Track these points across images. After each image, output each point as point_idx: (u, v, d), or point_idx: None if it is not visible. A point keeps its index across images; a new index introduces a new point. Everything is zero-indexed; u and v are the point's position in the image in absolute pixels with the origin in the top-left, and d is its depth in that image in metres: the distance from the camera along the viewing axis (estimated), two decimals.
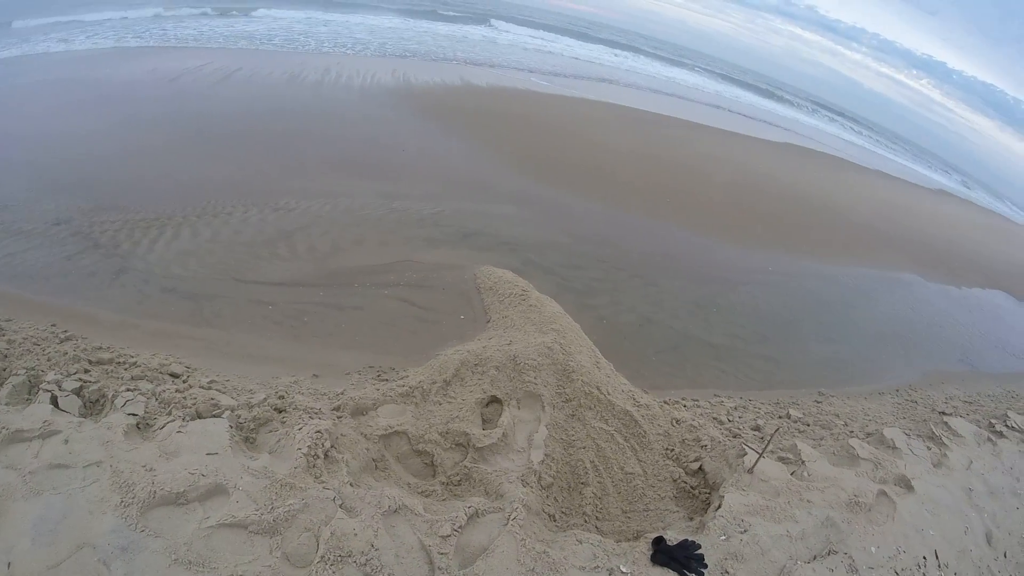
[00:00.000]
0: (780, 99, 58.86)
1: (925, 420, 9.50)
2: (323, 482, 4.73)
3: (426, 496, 5.39)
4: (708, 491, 6.25)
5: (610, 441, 6.38)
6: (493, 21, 41.30)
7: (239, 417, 5.26)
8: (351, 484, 4.86)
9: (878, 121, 72.98)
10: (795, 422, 8.33)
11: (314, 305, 8.05)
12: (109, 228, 8.57)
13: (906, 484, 7.10)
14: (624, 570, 4.75)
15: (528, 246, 10.97)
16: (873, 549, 5.92)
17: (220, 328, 7.31)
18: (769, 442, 6.35)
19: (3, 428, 4.40)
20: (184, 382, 5.90)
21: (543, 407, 6.40)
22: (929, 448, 8.37)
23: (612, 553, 4.92)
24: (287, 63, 19.36)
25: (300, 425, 5.25)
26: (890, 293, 16.20)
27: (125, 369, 5.89)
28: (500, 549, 4.56)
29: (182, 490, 4.23)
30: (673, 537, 5.15)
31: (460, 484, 5.58)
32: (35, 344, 5.99)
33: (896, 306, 15.45)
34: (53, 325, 6.51)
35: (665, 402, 7.66)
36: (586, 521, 5.77)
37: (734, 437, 7.17)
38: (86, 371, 5.62)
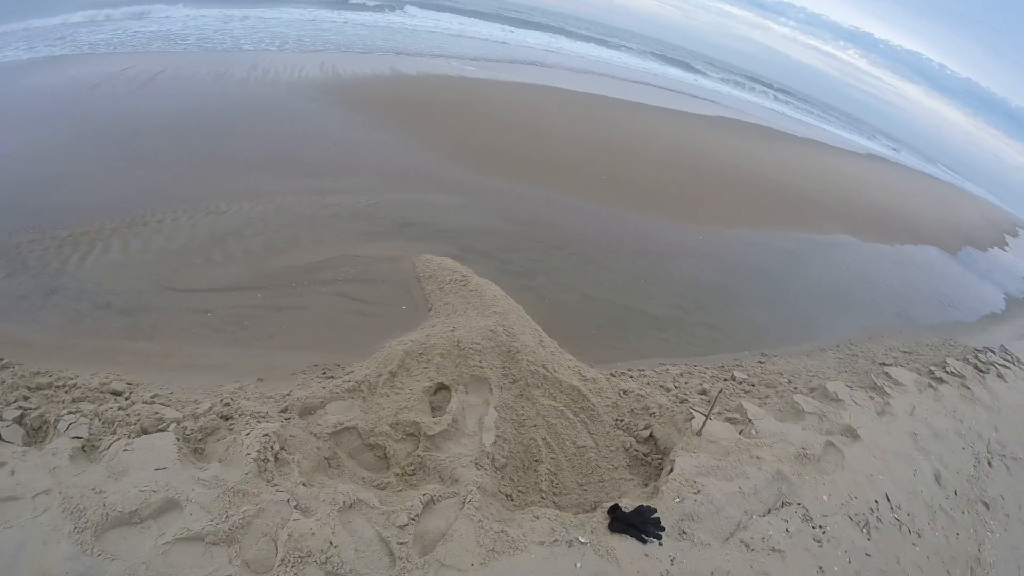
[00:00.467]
0: (710, 75, 59.61)
1: (866, 372, 9.83)
2: (276, 485, 4.68)
3: (381, 489, 5.37)
4: (660, 457, 6.38)
5: (560, 417, 6.45)
6: (408, 8, 40.71)
7: (185, 429, 5.15)
8: (304, 484, 4.82)
9: (808, 92, 74.61)
10: (740, 383, 8.52)
11: (253, 308, 7.87)
12: (36, 247, 8.23)
13: (852, 434, 7.36)
14: (583, 540, 4.82)
15: (465, 232, 10.92)
16: (825, 498, 6.13)
17: (159, 340, 7.11)
18: (714, 404, 6.51)
19: None
20: (127, 399, 5.73)
21: (491, 389, 6.41)
22: (872, 398, 8.68)
23: (570, 525, 4.99)
24: (212, 62, 18.80)
25: (248, 431, 5.17)
26: (825, 255, 16.69)
27: (65, 392, 5.70)
28: (459, 533, 4.59)
29: (134, 509, 4.14)
30: (629, 504, 5.25)
31: (415, 474, 5.57)
32: None
33: (832, 267, 15.92)
34: None
35: (612, 374, 7.77)
36: (543, 497, 5.82)
37: (681, 403, 7.30)
38: (25, 398, 5.42)
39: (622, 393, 7.13)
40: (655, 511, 5.18)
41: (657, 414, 6.73)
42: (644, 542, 4.93)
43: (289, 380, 6.67)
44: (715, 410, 7.03)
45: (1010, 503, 7.78)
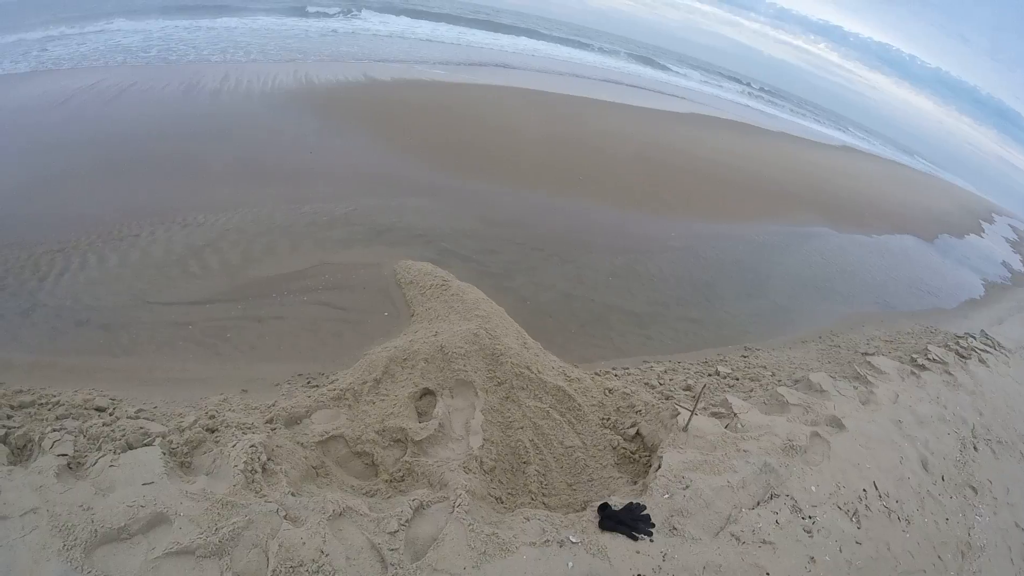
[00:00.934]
0: (681, 73, 59.89)
1: (849, 362, 9.92)
2: (264, 496, 4.65)
3: (370, 496, 5.36)
4: (648, 454, 6.39)
5: (546, 418, 6.46)
6: (365, 12, 40.49)
7: (171, 443, 5.09)
8: (293, 494, 4.79)
9: (780, 87, 75.15)
10: (724, 378, 8.59)
11: (233, 320, 7.84)
12: (13, 265, 8.13)
13: (837, 424, 7.41)
14: (574, 540, 4.83)
15: (443, 236, 10.94)
16: (813, 488, 6.16)
17: (140, 355, 7.06)
18: (699, 399, 6.53)
19: None
20: (111, 415, 5.68)
21: (476, 393, 6.43)
22: (855, 387, 8.73)
23: (560, 526, 5.00)
24: (183, 74, 18.60)
25: (234, 442, 5.13)
26: (803, 247, 16.87)
27: (48, 409, 5.64)
28: (449, 537, 4.58)
29: (123, 524, 4.09)
30: (618, 502, 5.26)
31: (403, 480, 5.56)
32: None
33: (810, 258, 16.10)
34: None
35: (596, 373, 7.82)
36: (533, 499, 5.83)
37: (667, 399, 7.35)
38: (8, 417, 5.36)
39: (607, 392, 7.16)
40: (645, 508, 5.20)
41: (643, 411, 6.76)
42: (635, 539, 4.94)
43: (273, 391, 6.65)
44: (700, 405, 7.07)
45: (997, 486, 7.87)
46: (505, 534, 4.73)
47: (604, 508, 5.14)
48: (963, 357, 11.57)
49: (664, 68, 58.38)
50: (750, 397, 7.94)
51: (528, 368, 6.80)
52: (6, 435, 4.96)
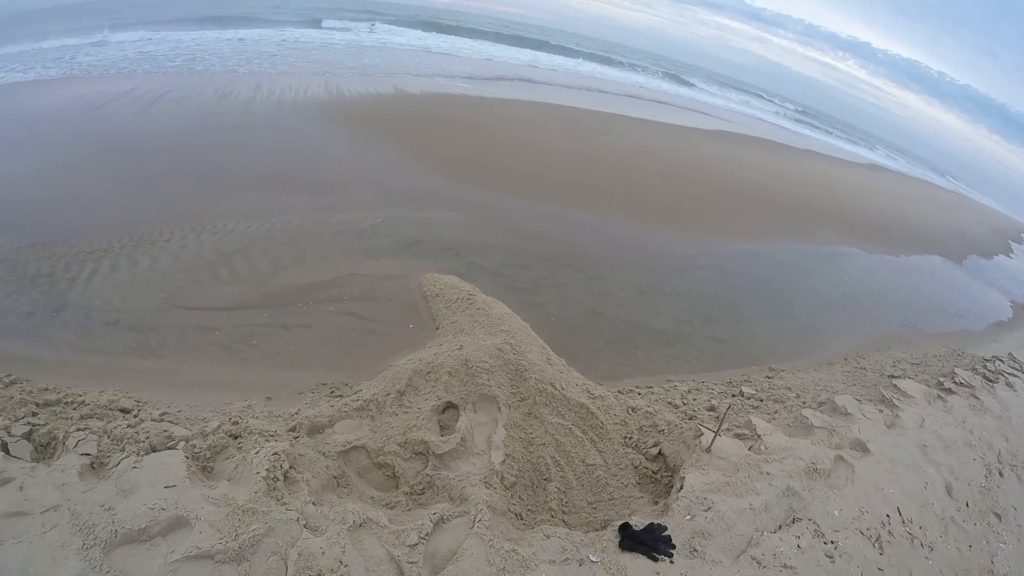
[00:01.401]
0: (708, 90, 59.80)
1: (875, 384, 9.78)
2: (285, 504, 4.67)
3: (390, 508, 5.37)
4: (670, 474, 6.35)
5: (569, 435, 6.44)
6: (387, 26, 40.85)
7: (194, 447, 5.14)
8: (313, 503, 4.81)
9: (808, 103, 74.78)
10: (748, 399, 8.51)
11: (260, 327, 7.92)
12: (45, 265, 8.29)
13: (862, 447, 7.30)
14: (593, 559, 4.80)
15: (471, 249, 10.97)
16: (836, 512, 6.07)
17: (167, 358, 7.15)
18: (723, 420, 6.48)
19: None
20: (135, 416, 5.75)
21: (499, 408, 6.42)
22: (881, 411, 8.61)
23: (580, 544, 4.97)
24: (215, 82, 18.90)
25: (257, 449, 5.16)
26: (830, 266, 16.69)
27: (74, 409, 5.72)
28: (469, 552, 4.57)
29: (144, 526, 4.13)
30: (639, 522, 5.22)
31: (424, 493, 5.56)
32: None
33: (837, 278, 15.92)
34: None
35: (619, 391, 7.78)
36: (553, 516, 5.81)
37: (690, 419, 7.28)
38: (34, 414, 5.43)
39: (630, 410, 7.13)
40: (666, 529, 5.16)
41: (666, 431, 6.72)
42: (655, 560, 4.89)
43: (297, 399, 6.69)
44: (724, 426, 7.01)
45: (1022, 513, 7.72)
46: (525, 551, 4.71)
47: (625, 528, 5.10)
48: (990, 381, 11.38)
49: (691, 85, 58.40)
50: (774, 419, 7.86)
51: (552, 384, 6.78)
52: (31, 432, 5.02)
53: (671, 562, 4.91)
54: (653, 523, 5.20)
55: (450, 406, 6.46)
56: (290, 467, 5.09)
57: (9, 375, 6.20)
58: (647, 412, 7.06)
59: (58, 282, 8.06)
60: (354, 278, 9.33)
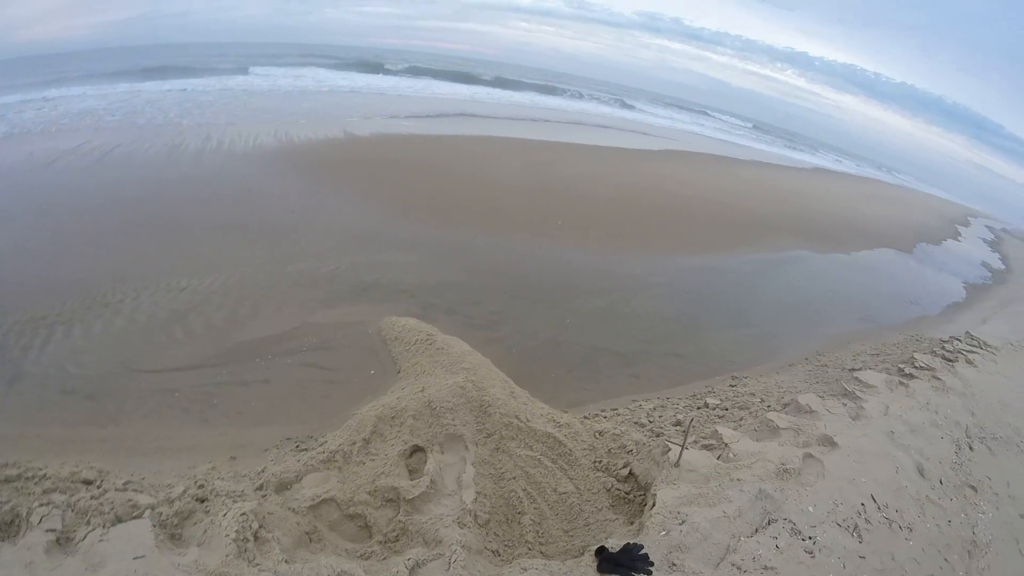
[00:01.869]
0: (651, 112, 61.00)
1: (837, 380, 9.97)
2: (257, 565, 4.62)
3: (365, 559, 5.31)
4: (642, 493, 6.39)
5: (538, 466, 6.46)
6: (322, 71, 41.23)
7: (161, 515, 5.06)
8: (286, 561, 4.76)
9: (751, 115, 76.63)
10: (714, 409, 8.62)
11: (220, 385, 7.80)
12: None
13: (829, 442, 7.43)
14: None
15: (427, 290, 10.96)
16: (811, 509, 6.15)
17: (127, 424, 7.00)
18: (687, 433, 6.54)
19: None
20: (98, 487, 5.62)
21: (466, 446, 6.42)
22: (845, 404, 8.78)
23: (559, 573, 4.98)
24: (165, 135, 18.75)
25: (224, 511, 5.10)
26: (784, 272, 17.06)
27: (35, 483, 5.57)
28: None
29: None
30: (615, 544, 5.23)
31: (398, 540, 5.52)
32: None
33: (792, 283, 16.26)
34: None
35: (585, 417, 7.83)
36: (530, 549, 5.80)
37: (657, 436, 7.34)
38: None
39: (598, 434, 7.17)
40: (642, 547, 5.17)
41: (634, 451, 6.78)
42: None
43: (262, 456, 6.60)
44: (690, 439, 7.07)
45: (997, 482, 7.88)
46: None
47: (601, 551, 5.11)
48: (950, 361, 11.68)
49: (632, 108, 59.42)
50: (740, 426, 7.96)
51: (517, 417, 6.81)
52: None
53: None
54: (629, 543, 5.21)
55: (417, 449, 6.44)
56: (260, 527, 5.03)
57: None
58: (614, 434, 7.11)
59: (11, 351, 7.88)
60: (312, 328, 9.26)
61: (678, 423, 7.90)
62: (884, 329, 14.27)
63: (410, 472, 6.20)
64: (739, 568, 5.20)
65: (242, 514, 4.98)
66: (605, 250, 15.05)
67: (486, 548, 5.56)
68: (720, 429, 7.39)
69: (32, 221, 11.34)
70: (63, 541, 4.66)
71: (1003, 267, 27.76)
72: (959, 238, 31.86)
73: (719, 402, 8.84)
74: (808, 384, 9.91)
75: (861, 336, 13.37)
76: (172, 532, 5.00)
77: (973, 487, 7.55)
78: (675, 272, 14.59)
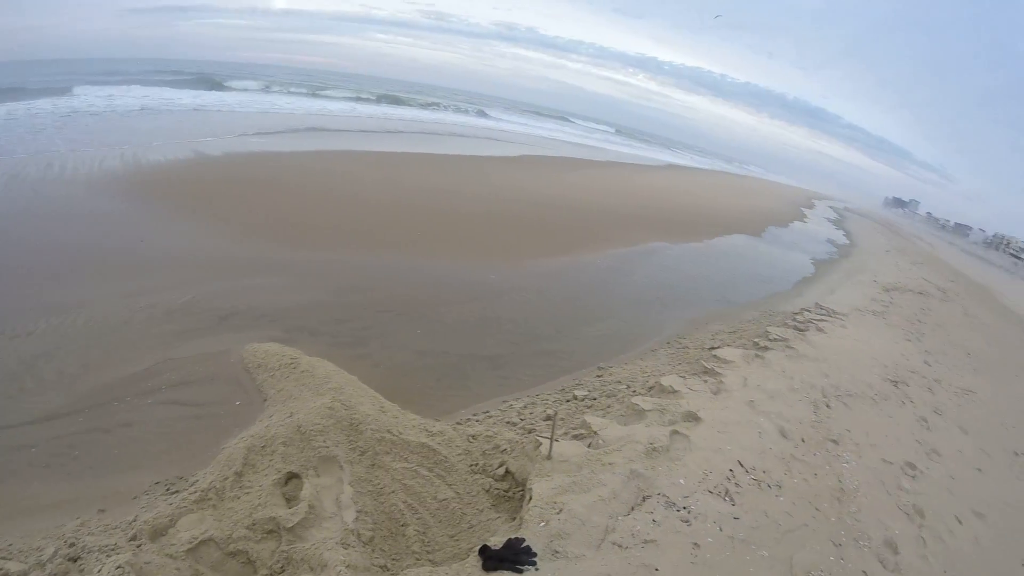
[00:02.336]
0: (508, 120, 62.20)
1: (697, 359, 10.68)
2: None
3: None
4: (521, 489, 6.64)
5: (416, 477, 6.58)
6: (146, 88, 39.70)
7: None
8: None
9: (606, 118, 79.39)
10: (582, 400, 9.03)
11: (79, 435, 7.33)
12: None
13: (693, 418, 7.98)
14: None
15: (290, 312, 10.77)
16: (682, 481, 6.59)
17: None
18: (554, 426, 6.84)
19: None
20: None
21: (341, 467, 6.44)
22: (705, 381, 9.45)
23: None
24: (2, 165, 17.39)
25: (99, 567, 4.94)
26: (643, 265, 18.00)
27: None
28: None
29: None
30: (498, 541, 5.44)
31: (283, 571, 5.47)
32: None
33: (650, 273, 17.19)
34: None
35: (458, 423, 8.03)
36: (418, 559, 5.90)
37: (529, 433, 7.63)
38: None
39: (471, 438, 7.38)
40: (524, 540, 5.40)
41: (508, 450, 7.02)
42: (520, 572, 5.10)
43: (133, 504, 6.35)
44: (560, 431, 7.42)
45: (856, 432, 8.71)
46: None
47: (484, 550, 5.29)
48: (801, 331, 12.74)
49: (487, 116, 60.35)
50: (608, 413, 8.39)
51: (389, 432, 6.90)
52: None
53: (536, 569, 5.13)
54: (511, 538, 5.43)
55: (292, 476, 6.39)
56: None
57: None
58: (487, 436, 7.34)
59: None
60: (171, 363, 8.85)
61: (548, 418, 8.19)
62: (740, 308, 15.35)
63: (287, 500, 6.14)
64: (620, 546, 5.52)
65: (117, 567, 4.85)
66: (468, 258, 15.31)
67: (373, 564, 5.63)
68: (588, 418, 7.78)
69: None
70: None
71: (847, 242, 30.37)
72: (805, 220, 34.46)
73: (587, 393, 9.27)
74: (671, 366, 10.53)
75: (718, 317, 14.31)
76: None
77: (834, 440, 8.31)
78: (539, 275, 15.02)
